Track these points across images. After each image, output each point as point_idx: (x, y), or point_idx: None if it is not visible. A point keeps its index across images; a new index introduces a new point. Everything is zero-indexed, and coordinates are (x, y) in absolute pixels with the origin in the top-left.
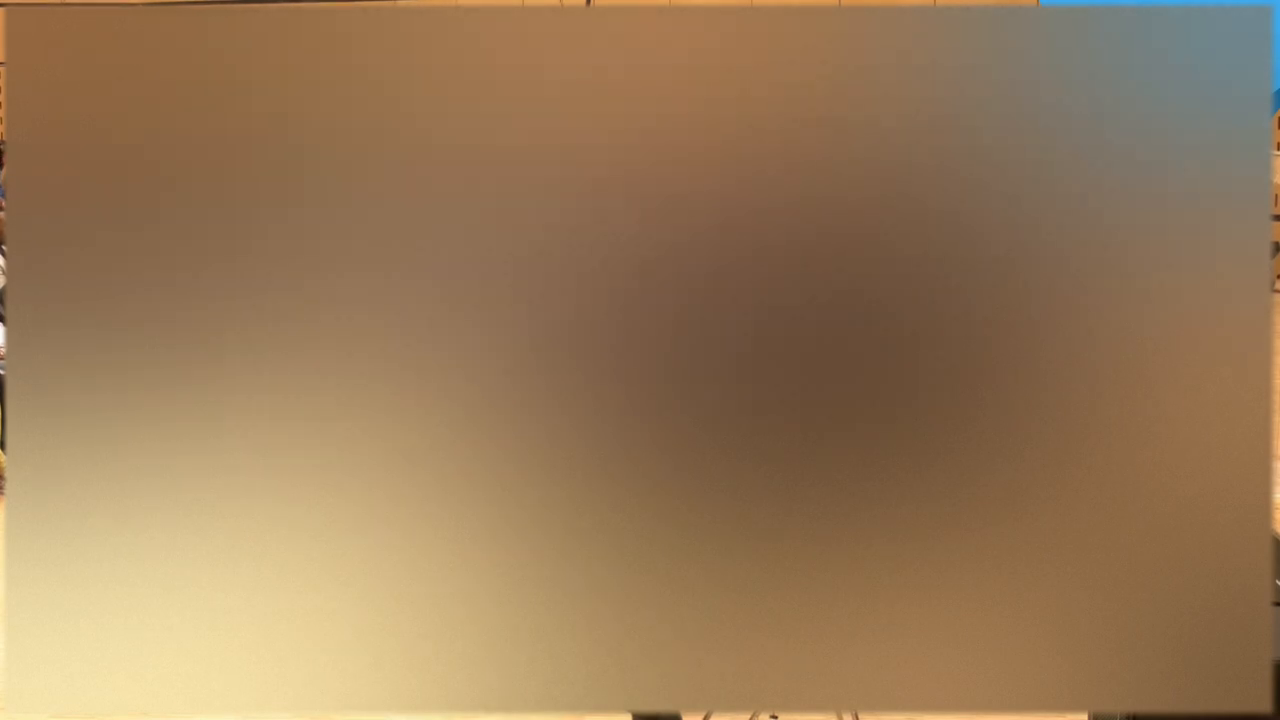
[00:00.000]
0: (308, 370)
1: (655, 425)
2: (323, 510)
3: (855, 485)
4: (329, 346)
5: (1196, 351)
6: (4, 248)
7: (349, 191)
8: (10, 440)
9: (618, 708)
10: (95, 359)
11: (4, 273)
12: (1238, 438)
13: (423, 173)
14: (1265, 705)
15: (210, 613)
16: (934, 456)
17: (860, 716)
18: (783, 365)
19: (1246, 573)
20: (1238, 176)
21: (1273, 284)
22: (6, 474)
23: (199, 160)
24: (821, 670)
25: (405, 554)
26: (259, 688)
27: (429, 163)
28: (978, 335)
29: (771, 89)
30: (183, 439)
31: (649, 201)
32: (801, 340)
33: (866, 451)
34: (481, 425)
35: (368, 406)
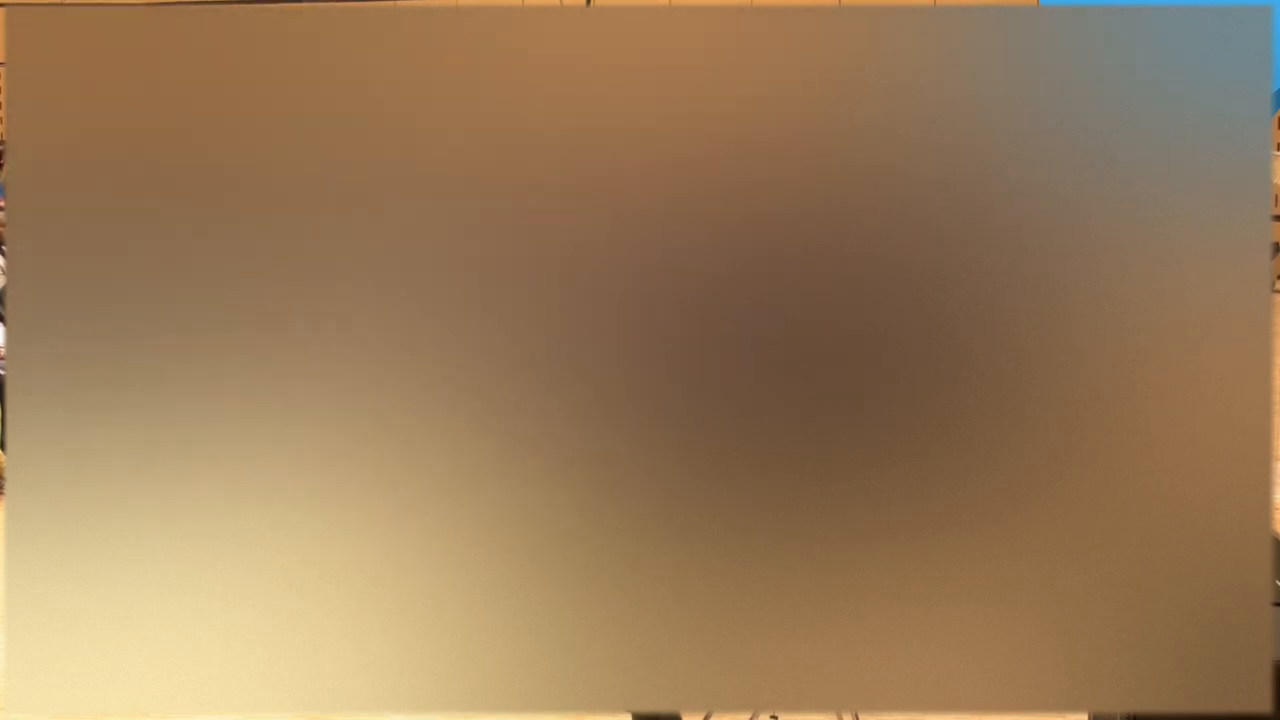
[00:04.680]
0: (309, 371)
1: (656, 426)
2: (323, 511)
3: (855, 486)
4: (330, 348)
5: (1196, 351)
6: (4, 248)
7: (349, 191)
8: (10, 440)
9: (618, 708)
10: (95, 359)
11: (4, 273)
12: (1238, 438)
13: (423, 173)
14: (1265, 705)
15: (210, 613)
16: (933, 457)
17: (860, 716)
18: (782, 366)
19: (1246, 573)
20: (1238, 176)
21: (1273, 284)
22: (6, 474)
23: (199, 160)
24: (821, 670)
25: (405, 555)
26: (259, 688)
27: (429, 163)
28: (978, 335)
29: (771, 89)
30: (182, 440)
31: (649, 200)
32: (801, 340)
33: (867, 452)
34: (482, 427)
35: (368, 408)
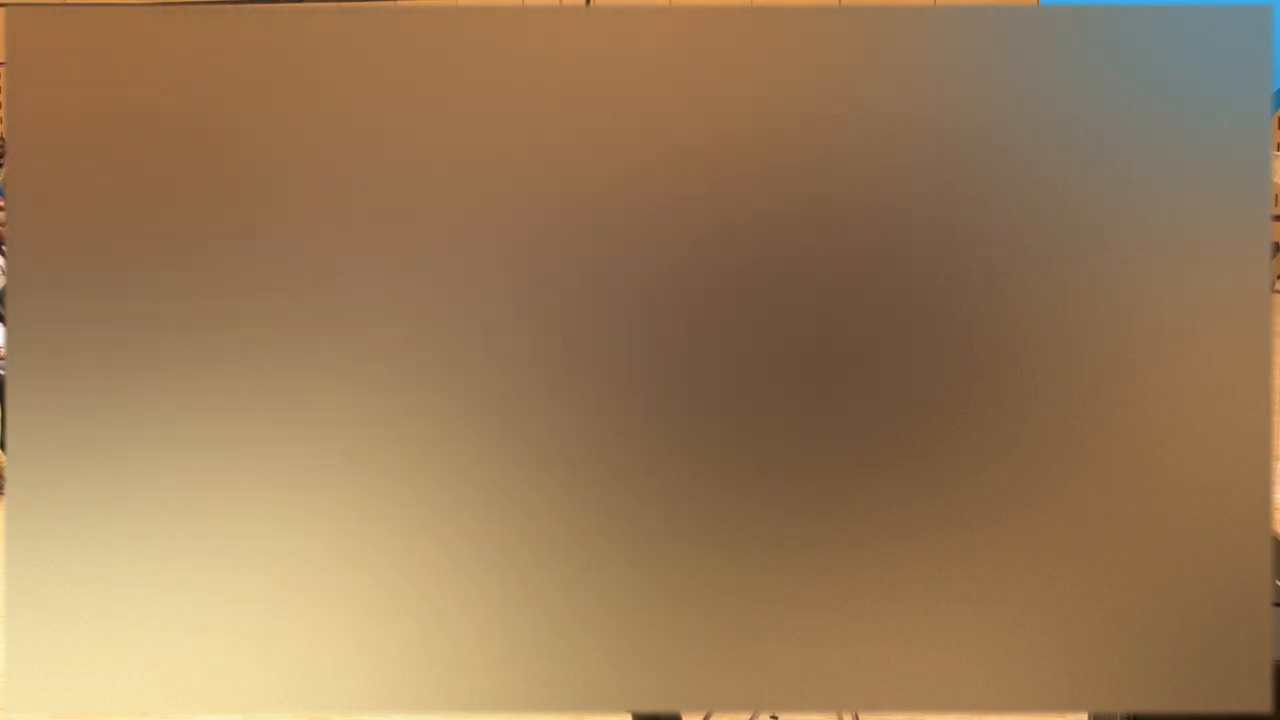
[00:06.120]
0: (308, 371)
1: (655, 427)
2: (323, 511)
3: (855, 485)
4: (328, 348)
5: (1196, 351)
6: (4, 248)
7: (350, 192)
8: (10, 440)
9: (618, 708)
10: (95, 359)
11: (4, 273)
12: (1238, 438)
13: (423, 173)
14: (1265, 705)
15: (210, 613)
16: (933, 457)
17: (860, 716)
18: (781, 366)
19: (1246, 573)
20: (1238, 176)
21: (1273, 284)
22: (6, 474)
23: (199, 160)
24: (821, 670)
25: (405, 555)
26: (259, 688)
27: (429, 163)
28: (977, 335)
29: (771, 89)
30: (182, 440)
31: (648, 201)
32: (800, 341)
33: (867, 451)
34: (482, 427)
35: (367, 408)
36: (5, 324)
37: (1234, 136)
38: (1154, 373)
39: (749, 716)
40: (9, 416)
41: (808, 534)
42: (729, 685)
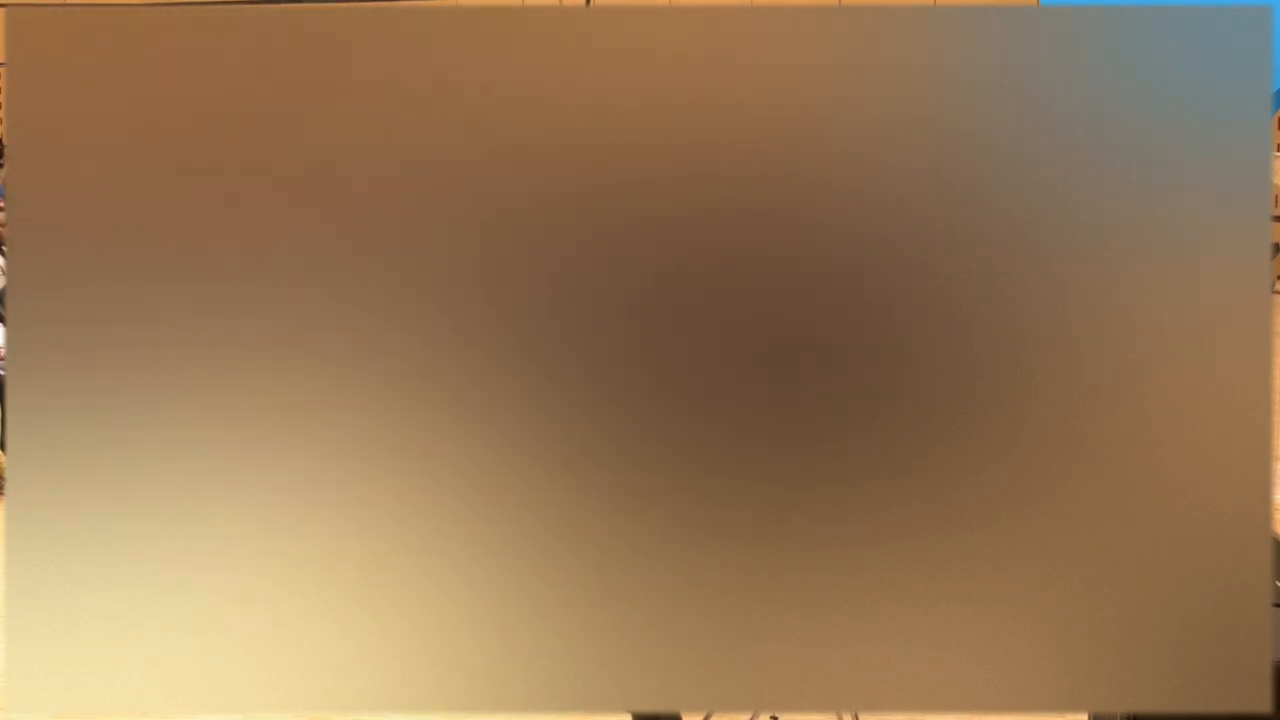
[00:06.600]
0: (307, 371)
1: (657, 429)
2: (323, 512)
3: (855, 486)
4: (328, 348)
5: (1196, 351)
6: (4, 248)
7: (349, 190)
8: (10, 440)
9: (618, 708)
10: (95, 359)
11: (4, 273)
12: (1238, 438)
13: (423, 171)
14: (1265, 705)
15: (210, 613)
16: (934, 457)
17: (860, 716)
18: (782, 367)
19: (1246, 573)
20: (1238, 176)
21: (1273, 284)
22: (6, 474)
23: (199, 160)
24: (821, 670)
25: (405, 555)
26: (258, 688)
27: (429, 162)
28: (978, 335)
29: (771, 89)
30: (183, 440)
31: (647, 200)
32: (800, 341)
33: (867, 452)
34: (483, 427)
35: (367, 409)
36: (5, 324)
37: (1234, 136)
38: (1154, 373)
39: (749, 716)
40: (9, 416)
41: (808, 534)
42: (729, 685)
